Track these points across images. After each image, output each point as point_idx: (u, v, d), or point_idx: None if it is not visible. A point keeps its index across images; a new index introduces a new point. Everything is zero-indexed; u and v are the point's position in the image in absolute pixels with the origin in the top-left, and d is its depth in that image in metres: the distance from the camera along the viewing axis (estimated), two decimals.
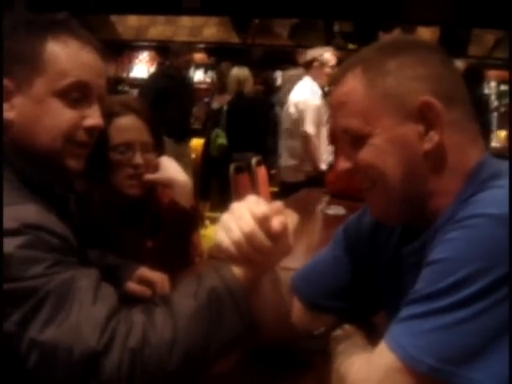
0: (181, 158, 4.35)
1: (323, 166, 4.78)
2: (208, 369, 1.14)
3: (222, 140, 6.35)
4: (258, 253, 1.07)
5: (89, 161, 1.36)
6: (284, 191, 4.84)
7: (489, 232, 0.93)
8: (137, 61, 10.64)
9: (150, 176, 1.93)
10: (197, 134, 7.28)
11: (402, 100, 1.10)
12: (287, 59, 8.49)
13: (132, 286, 1.70)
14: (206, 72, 10.20)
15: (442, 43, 8.07)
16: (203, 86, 9.45)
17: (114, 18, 9.93)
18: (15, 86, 1.24)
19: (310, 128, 4.79)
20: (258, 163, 5.05)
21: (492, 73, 8.70)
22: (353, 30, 9.01)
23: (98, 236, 1.66)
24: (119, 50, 10.20)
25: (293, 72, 6.00)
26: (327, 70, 4.86)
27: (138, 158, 1.90)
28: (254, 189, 4.65)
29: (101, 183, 1.91)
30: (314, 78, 4.93)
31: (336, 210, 3.43)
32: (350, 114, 1.14)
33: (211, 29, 9.88)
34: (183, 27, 9.92)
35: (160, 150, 2.03)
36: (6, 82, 1.23)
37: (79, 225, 1.37)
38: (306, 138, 4.82)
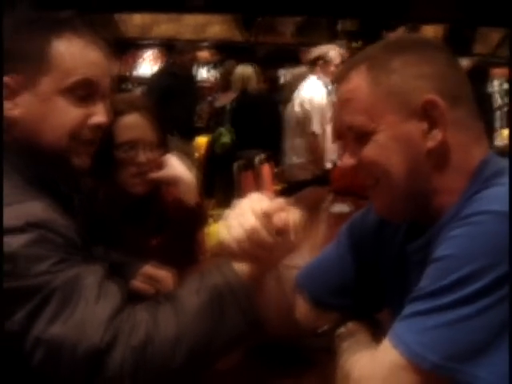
0: (185, 156, 4.34)
1: (329, 165, 4.78)
2: (211, 366, 1.15)
3: (226, 138, 6.34)
4: (261, 249, 1.07)
5: (94, 159, 1.37)
6: (290, 189, 4.83)
7: (493, 229, 0.94)
8: (141, 59, 10.63)
9: (154, 174, 1.93)
10: (201, 131, 7.27)
11: (407, 98, 1.10)
12: (291, 57, 8.46)
13: (137, 283, 1.70)
14: (209, 70, 10.19)
15: (446, 41, 8.06)
16: (207, 84, 9.41)
17: (118, 16, 9.93)
18: (20, 84, 1.24)
19: (316, 127, 4.78)
20: (263, 161, 5.05)
21: (497, 71, 8.66)
22: (357, 29, 9.00)
23: (103, 234, 1.66)
24: (123, 48, 10.18)
25: (297, 70, 5.99)
26: (332, 68, 4.84)
27: (143, 156, 1.90)
28: (259, 187, 4.65)
29: (105, 181, 1.91)
30: (319, 76, 4.92)
31: (340, 207, 3.43)
32: (355, 111, 1.15)
33: (215, 27, 9.88)
34: (187, 25, 9.92)
35: (164, 148, 2.03)
36: (10, 80, 1.23)
37: (84, 223, 1.37)
38: (312, 137, 4.81)
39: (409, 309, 0.99)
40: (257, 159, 4.96)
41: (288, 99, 5.49)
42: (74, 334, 1.02)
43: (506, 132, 7.81)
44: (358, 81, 1.15)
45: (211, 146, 6.72)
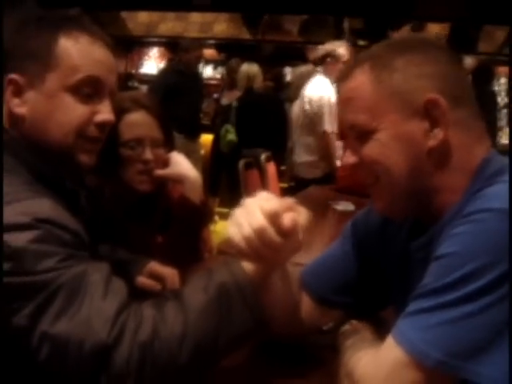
0: (191, 154, 4.35)
1: (339, 163, 4.75)
2: (218, 363, 1.15)
3: (232, 136, 6.34)
4: (268, 249, 1.07)
5: (100, 156, 1.37)
6: (299, 187, 4.81)
7: (495, 226, 0.94)
8: (147, 57, 10.67)
9: (160, 171, 1.93)
10: (206, 129, 7.27)
11: (409, 97, 1.11)
12: (297, 55, 8.48)
13: (142, 280, 1.71)
14: (215, 68, 10.21)
15: (452, 40, 8.06)
16: (213, 82, 9.43)
17: (124, 14, 9.95)
18: (27, 82, 1.25)
19: (328, 126, 4.75)
20: (268, 159, 5.03)
21: (502, 69, 8.65)
22: (363, 27, 8.98)
23: (109, 231, 1.67)
24: (129, 46, 10.22)
25: (303, 68, 5.97)
26: (341, 65, 4.78)
27: (148, 154, 1.90)
28: (264, 185, 4.63)
29: (111, 179, 1.91)
30: (327, 74, 4.86)
31: (345, 205, 3.43)
32: (357, 110, 1.15)
33: (221, 25, 9.88)
34: (193, 23, 9.92)
35: (170, 146, 2.03)
36: (17, 77, 1.24)
37: (90, 220, 1.38)
38: (324, 136, 4.79)
39: (412, 306, 0.99)
40: (262, 157, 4.94)
41: (294, 97, 5.47)
42: (81, 329, 1.02)
43: None
44: (361, 79, 1.15)
45: (217, 143, 6.73)
